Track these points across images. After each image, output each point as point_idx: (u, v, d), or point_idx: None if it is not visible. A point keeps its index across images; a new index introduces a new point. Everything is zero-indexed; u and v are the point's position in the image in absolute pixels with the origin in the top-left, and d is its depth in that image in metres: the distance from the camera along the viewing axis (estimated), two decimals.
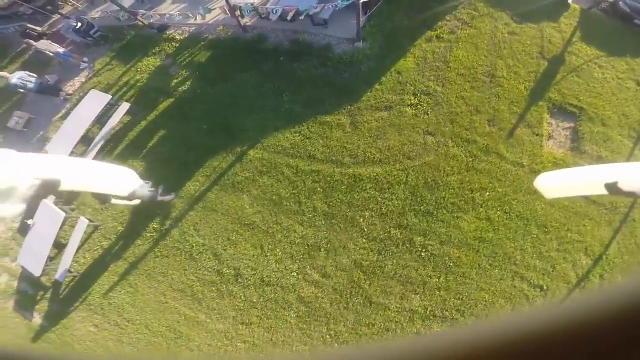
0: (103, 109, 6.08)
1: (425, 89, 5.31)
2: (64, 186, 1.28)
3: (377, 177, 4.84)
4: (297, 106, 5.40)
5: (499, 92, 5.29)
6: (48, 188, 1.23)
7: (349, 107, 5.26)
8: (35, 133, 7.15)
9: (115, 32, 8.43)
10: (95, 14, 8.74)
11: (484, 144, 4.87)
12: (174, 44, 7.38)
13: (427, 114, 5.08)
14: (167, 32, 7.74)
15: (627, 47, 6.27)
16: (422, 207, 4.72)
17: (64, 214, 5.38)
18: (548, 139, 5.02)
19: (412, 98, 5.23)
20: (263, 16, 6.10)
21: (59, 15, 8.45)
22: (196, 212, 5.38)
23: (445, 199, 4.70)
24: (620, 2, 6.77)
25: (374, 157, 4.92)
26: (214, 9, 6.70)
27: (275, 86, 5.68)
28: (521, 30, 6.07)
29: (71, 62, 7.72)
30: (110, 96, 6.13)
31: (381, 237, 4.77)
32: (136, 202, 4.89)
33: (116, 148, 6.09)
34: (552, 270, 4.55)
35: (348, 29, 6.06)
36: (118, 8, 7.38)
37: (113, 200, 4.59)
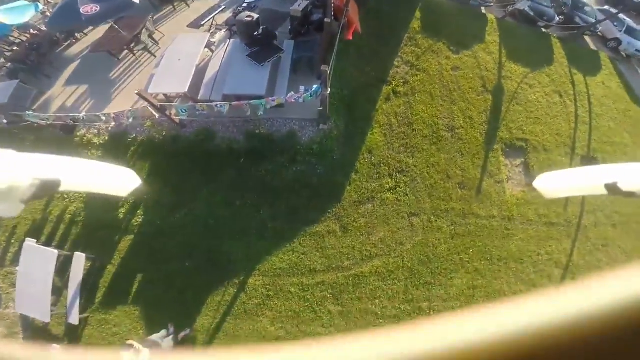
0: (55, 266, 4.73)
1: (398, 165, 4.99)
2: (64, 186, 1.23)
3: (377, 269, 4.81)
4: (280, 222, 4.78)
5: (461, 148, 5.22)
6: (48, 188, 1.18)
7: (334, 209, 4.82)
8: None
9: (6, 137, 6.19)
10: None
11: (460, 209, 4.97)
12: (94, 151, 5.71)
13: (407, 195, 4.90)
14: (78, 134, 5.87)
15: (542, 54, 6.55)
16: (421, 281, 4.92)
17: None
18: (507, 182, 5.27)
19: (390, 181, 4.93)
20: (204, 112, 4.77)
21: None
22: (220, 340, 4.98)
23: (439, 267, 4.93)
24: (526, 8, 7.03)
25: (370, 253, 4.79)
26: (136, 110, 4.97)
27: (247, 202, 4.86)
28: (461, 63, 5.87)
29: None
30: (56, 252, 4.72)
31: (394, 314, 5.00)
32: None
33: (94, 300, 4.97)
34: (534, 289, 5.26)
35: (306, 108, 5.14)
36: None
37: None
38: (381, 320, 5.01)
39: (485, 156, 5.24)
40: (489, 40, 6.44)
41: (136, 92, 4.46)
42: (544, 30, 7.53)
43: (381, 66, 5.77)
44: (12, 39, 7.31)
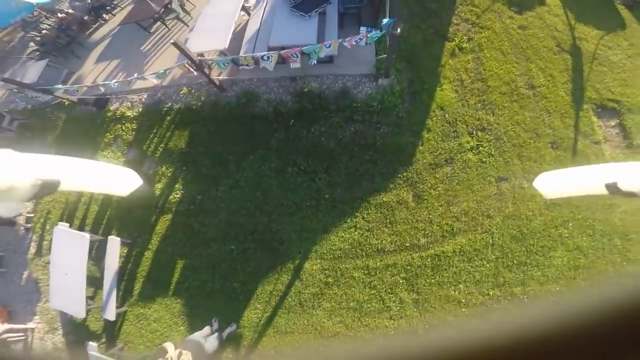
0: (88, 253, 3.90)
1: (477, 123, 4.04)
2: (64, 186, 1.11)
3: (462, 248, 3.76)
4: (339, 191, 3.82)
5: (547, 106, 4.26)
6: (48, 188, 1.06)
7: (404, 173, 3.84)
8: (18, 273, 4.71)
9: (39, 116, 5.60)
10: None
11: None
12: (128, 124, 4.96)
13: (492, 155, 3.90)
14: (111, 108, 5.16)
15: (610, 19, 5.71)
16: (514, 261, 3.85)
17: None
18: (605, 143, 4.22)
19: (470, 139, 3.96)
20: (249, 66, 3.94)
21: None
22: (269, 337, 3.97)
23: (534, 244, 3.86)
24: None
25: (452, 229, 3.76)
26: (170, 68, 4.18)
27: (300, 169, 3.93)
28: (527, 22, 5.07)
29: None
30: (88, 236, 3.87)
31: (481, 301, 3.91)
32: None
33: (133, 292, 4.06)
34: None
35: (359, 61, 4.31)
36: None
37: None
38: (464, 310, 3.91)
39: (576, 115, 4.24)
40: (550, 3, 5.63)
41: (172, 42, 3.69)
42: None
43: (437, 23, 4.95)
44: (42, 26, 6.85)
